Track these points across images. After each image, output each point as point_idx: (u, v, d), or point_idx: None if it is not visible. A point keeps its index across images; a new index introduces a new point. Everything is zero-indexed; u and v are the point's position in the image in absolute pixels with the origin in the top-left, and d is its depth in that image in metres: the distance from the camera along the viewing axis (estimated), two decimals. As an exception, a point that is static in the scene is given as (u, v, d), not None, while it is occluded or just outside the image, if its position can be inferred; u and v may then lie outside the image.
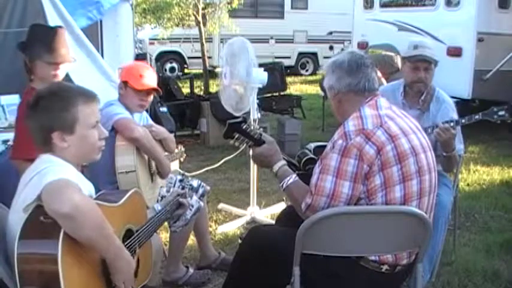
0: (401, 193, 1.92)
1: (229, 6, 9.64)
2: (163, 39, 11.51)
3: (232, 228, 3.90)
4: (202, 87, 9.20)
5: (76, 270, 1.53)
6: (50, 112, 1.71)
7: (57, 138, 1.73)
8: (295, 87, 12.01)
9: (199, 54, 9.61)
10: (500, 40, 6.84)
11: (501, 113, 2.79)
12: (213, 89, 8.85)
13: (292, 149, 5.83)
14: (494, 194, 4.70)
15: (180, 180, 3.07)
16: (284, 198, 4.23)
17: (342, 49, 11.33)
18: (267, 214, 4.20)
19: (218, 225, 3.94)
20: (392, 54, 4.84)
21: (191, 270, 3.09)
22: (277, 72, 7.05)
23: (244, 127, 2.14)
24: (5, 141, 3.49)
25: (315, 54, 14.67)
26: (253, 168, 4.14)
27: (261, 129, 2.22)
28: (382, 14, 8.38)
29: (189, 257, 3.37)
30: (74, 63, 2.77)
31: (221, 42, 11.72)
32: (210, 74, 9.80)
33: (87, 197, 1.66)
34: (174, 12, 9.60)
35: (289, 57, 14.04)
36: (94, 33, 4.61)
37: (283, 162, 2.16)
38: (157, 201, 2.71)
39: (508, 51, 6.66)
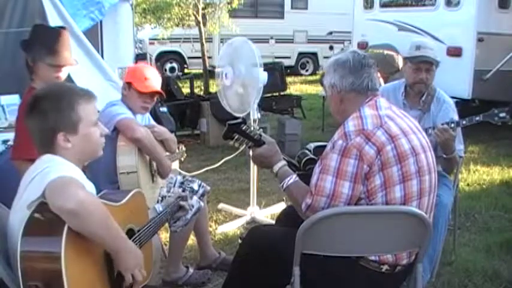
0: (402, 193, 1.92)
1: (229, 6, 9.63)
2: (163, 39, 11.51)
3: (232, 228, 3.90)
4: (202, 87, 9.20)
5: (79, 266, 1.53)
6: (53, 113, 1.71)
7: (61, 139, 1.73)
8: (295, 87, 12.01)
9: (199, 54, 9.62)
10: (500, 40, 6.84)
11: (502, 114, 2.79)
12: (213, 89, 8.85)
13: (292, 149, 5.83)
14: (494, 194, 4.70)
15: (181, 183, 3.08)
16: (284, 198, 4.24)
17: (342, 49, 11.32)
18: (267, 214, 4.20)
19: (218, 225, 3.94)
20: (393, 54, 4.84)
21: (191, 270, 3.09)
22: (277, 72, 7.05)
23: (243, 128, 2.14)
24: (5, 141, 3.49)
25: (315, 54, 14.68)
26: (253, 168, 4.14)
27: (261, 129, 2.23)
28: (382, 14, 8.38)
29: (189, 257, 3.37)
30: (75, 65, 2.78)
31: (221, 42, 11.72)
32: (210, 74, 9.76)
33: (91, 193, 1.66)
34: (174, 12, 9.60)
35: (289, 57, 14.04)
36: (94, 33, 4.61)
37: (284, 162, 2.16)
38: (158, 202, 2.71)
39: (508, 51, 6.66)
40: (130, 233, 1.85)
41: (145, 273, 1.74)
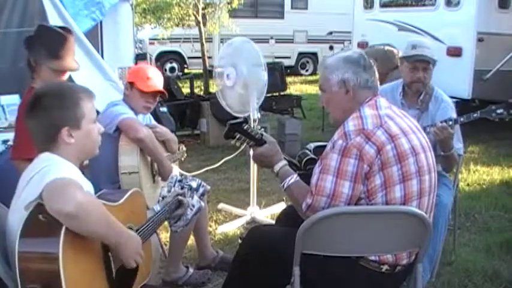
0: (402, 193, 1.92)
1: (229, 6, 9.63)
2: (163, 39, 11.51)
3: (232, 228, 3.90)
4: (202, 87, 9.20)
5: (77, 267, 1.53)
6: (57, 109, 1.72)
7: (66, 134, 1.74)
8: (295, 87, 12.01)
9: (199, 54, 9.62)
10: (500, 40, 6.84)
11: (499, 111, 2.78)
12: (213, 89, 8.83)
13: (293, 149, 5.83)
14: (494, 194, 4.69)
15: (179, 181, 3.08)
16: (284, 198, 4.24)
17: (342, 49, 11.32)
18: (267, 214, 4.20)
19: (218, 225, 3.94)
20: (394, 49, 4.84)
21: (191, 270, 3.09)
22: (277, 72, 7.04)
23: (245, 127, 2.14)
24: (5, 141, 3.49)
25: (315, 54, 14.69)
26: (253, 168, 4.14)
27: (262, 129, 2.23)
28: (382, 14, 8.38)
29: (189, 257, 3.37)
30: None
31: (221, 42, 11.72)
32: (210, 74, 9.76)
33: (89, 194, 1.66)
34: (174, 12, 9.60)
35: (289, 57, 14.05)
36: (94, 33, 4.61)
37: (284, 162, 2.16)
38: (158, 202, 2.71)
39: (508, 51, 6.66)
40: (129, 232, 1.86)
41: (144, 256, 1.76)
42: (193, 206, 2.91)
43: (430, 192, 2.02)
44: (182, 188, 3.00)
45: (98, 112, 2.22)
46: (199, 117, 6.83)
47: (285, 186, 2.08)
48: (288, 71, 11.77)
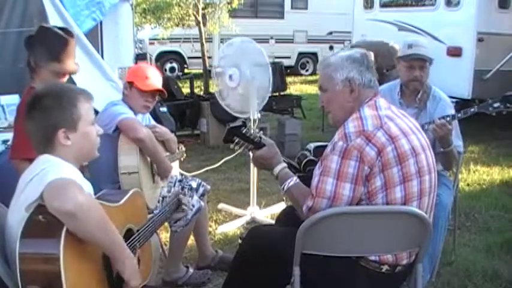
0: (402, 194, 1.92)
1: (229, 6, 9.62)
2: (163, 39, 11.50)
3: (232, 228, 3.90)
4: (202, 87, 9.20)
5: (78, 268, 1.53)
6: (55, 109, 1.72)
7: (62, 136, 1.73)
8: (295, 87, 12.01)
9: (199, 54, 9.61)
10: (500, 40, 6.83)
11: (496, 104, 2.79)
12: (213, 89, 8.80)
13: (292, 149, 5.83)
14: (494, 194, 4.70)
15: (179, 181, 3.08)
16: (284, 198, 4.23)
17: (342, 49, 11.32)
18: (267, 214, 4.20)
19: (218, 225, 3.94)
20: (396, 47, 4.81)
21: (191, 270, 3.09)
22: (277, 72, 7.05)
23: (244, 131, 2.15)
24: (5, 141, 3.49)
25: (315, 54, 14.67)
26: (253, 168, 4.14)
27: (261, 132, 2.23)
28: (382, 14, 8.38)
29: (189, 257, 3.37)
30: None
31: (221, 42, 11.71)
32: (210, 74, 9.78)
33: (89, 195, 1.66)
34: (174, 12, 9.59)
35: (289, 57, 14.04)
36: (94, 33, 4.60)
37: (284, 164, 2.15)
38: (158, 202, 2.71)
39: (508, 51, 6.66)
40: (129, 232, 1.86)
41: (140, 278, 1.74)
42: (193, 206, 2.92)
43: (430, 192, 2.02)
44: (182, 188, 3.01)
45: (96, 112, 2.22)
46: (199, 117, 6.83)
47: (285, 188, 2.08)
48: (288, 71, 11.79)
